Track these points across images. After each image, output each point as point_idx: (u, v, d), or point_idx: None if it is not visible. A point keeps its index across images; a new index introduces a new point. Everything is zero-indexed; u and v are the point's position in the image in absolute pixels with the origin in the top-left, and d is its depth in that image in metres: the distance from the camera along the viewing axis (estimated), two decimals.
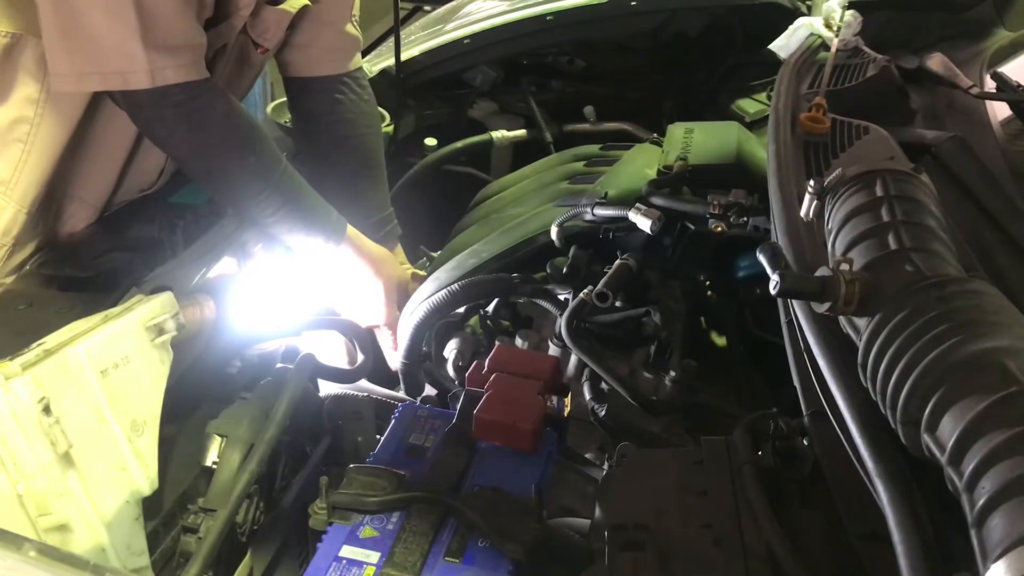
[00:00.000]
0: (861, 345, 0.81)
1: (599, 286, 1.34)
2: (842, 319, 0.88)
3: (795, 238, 1.04)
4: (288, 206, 1.37)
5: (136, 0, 1.14)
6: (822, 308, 0.84)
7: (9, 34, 1.22)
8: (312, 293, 1.51)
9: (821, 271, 0.85)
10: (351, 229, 1.47)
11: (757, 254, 0.92)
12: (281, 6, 1.47)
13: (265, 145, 1.36)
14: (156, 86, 1.20)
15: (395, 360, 1.53)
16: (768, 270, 0.88)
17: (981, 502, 0.62)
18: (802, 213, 1.02)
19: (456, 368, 1.48)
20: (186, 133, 1.31)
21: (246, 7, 1.37)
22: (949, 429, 0.69)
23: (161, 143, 1.36)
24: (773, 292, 0.85)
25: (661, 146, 1.70)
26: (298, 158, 1.75)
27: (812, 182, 1.00)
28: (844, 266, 0.83)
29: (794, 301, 0.98)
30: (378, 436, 1.26)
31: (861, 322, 0.83)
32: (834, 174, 0.99)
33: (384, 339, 1.58)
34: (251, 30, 1.45)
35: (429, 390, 1.51)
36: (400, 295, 1.54)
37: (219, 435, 1.20)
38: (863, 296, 0.82)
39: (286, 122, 1.85)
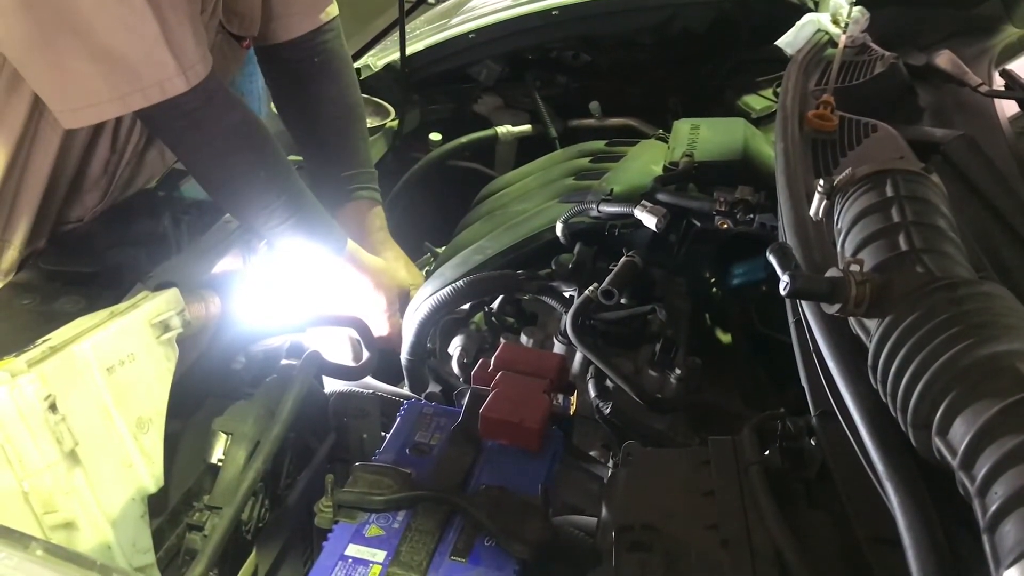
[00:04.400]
0: (871, 347, 0.80)
1: (604, 283, 1.33)
2: (852, 320, 0.87)
3: (804, 238, 1.04)
4: (293, 218, 1.37)
5: (153, 9, 1.12)
6: (832, 309, 0.83)
7: None
8: (314, 299, 1.51)
9: (831, 272, 0.84)
10: (351, 243, 1.48)
11: (767, 254, 0.92)
12: None
13: (277, 156, 1.35)
14: (167, 97, 1.18)
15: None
16: (778, 271, 0.88)
17: (993, 507, 0.62)
18: (811, 213, 1.02)
19: (461, 365, 1.47)
20: (194, 143, 1.30)
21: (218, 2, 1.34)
22: (961, 433, 0.68)
23: (171, 150, 1.36)
24: (783, 293, 0.84)
25: (667, 142, 1.70)
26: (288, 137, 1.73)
27: (821, 181, 0.99)
28: (854, 267, 0.83)
29: (803, 301, 0.97)
30: (383, 433, 1.26)
31: (871, 323, 0.83)
32: (844, 174, 0.99)
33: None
34: (228, 25, 1.42)
35: (433, 386, 1.51)
36: (400, 304, 1.54)
37: (224, 432, 1.19)
38: (874, 298, 0.81)
39: None
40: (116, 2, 1.10)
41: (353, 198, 1.64)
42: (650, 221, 1.38)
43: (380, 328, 1.52)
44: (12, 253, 1.34)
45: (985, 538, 0.62)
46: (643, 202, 1.41)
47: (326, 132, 1.64)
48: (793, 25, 1.87)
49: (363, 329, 1.45)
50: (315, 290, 1.50)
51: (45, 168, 1.31)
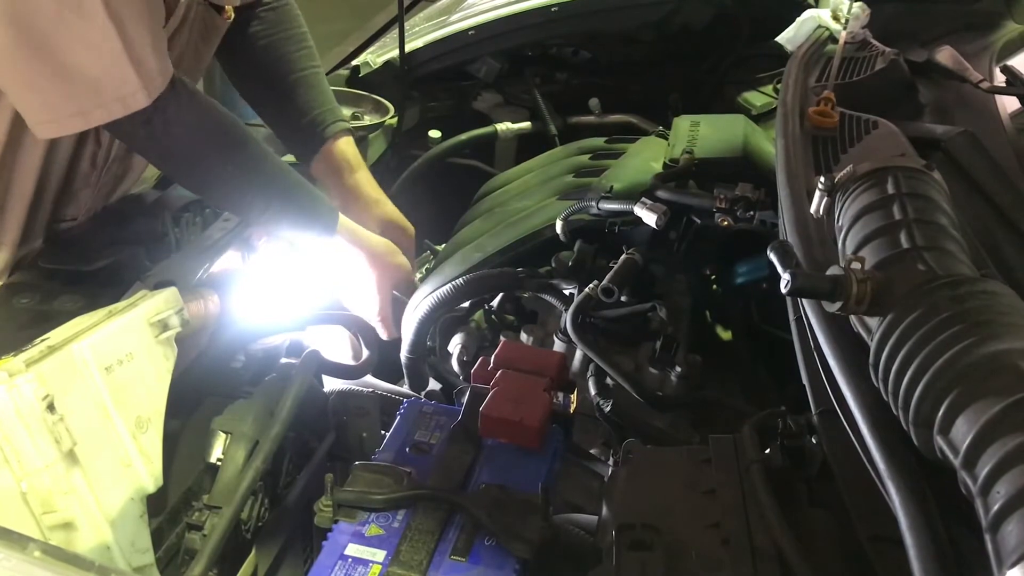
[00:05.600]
0: (873, 345, 0.80)
1: (605, 281, 1.33)
2: (853, 318, 0.87)
3: (805, 235, 1.03)
4: (276, 204, 1.35)
5: (113, 22, 1.10)
6: (833, 307, 0.83)
7: None
8: (313, 285, 1.50)
9: (832, 270, 0.84)
10: (345, 219, 1.46)
11: (768, 252, 0.91)
12: None
13: (246, 146, 1.33)
14: (128, 112, 1.16)
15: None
16: (779, 269, 0.87)
17: (996, 507, 0.61)
18: (812, 210, 1.01)
19: (461, 363, 1.47)
20: (159, 151, 1.29)
21: None
22: (963, 432, 0.68)
23: (142, 156, 1.35)
24: (784, 291, 0.84)
25: (667, 139, 1.69)
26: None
27: (822, 179, 0.99)
28: (856, 265, 0.83)
29: (804, 299, 0.97)
30: (383, 432, 1.25)
31: (872, 321, 0.82)
32: (845, 171, 0.98)
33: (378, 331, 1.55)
34: None
35: (433, 384, 1.51)
36: (401, 287, 1.52)
37: (223, 431, 1.19)
38: (875, 296, 0.81)
39: None
40: (77, 19, 1.09)
41: (325, 138, 1.59)
42: (650, 218, 1.38)
43: (369, 306, 1.50)
44: (4, 255, 1.33)
45: (987, 538, 0.62)
46: (643, 200, 1.40)
47: (285, 88, 1.59)
48: (793, 21, 1.87)
49: (363, 327, 1.45)
50: (310, 274, 1.48)
51: (34, 167, 1.31)
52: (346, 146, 1.61)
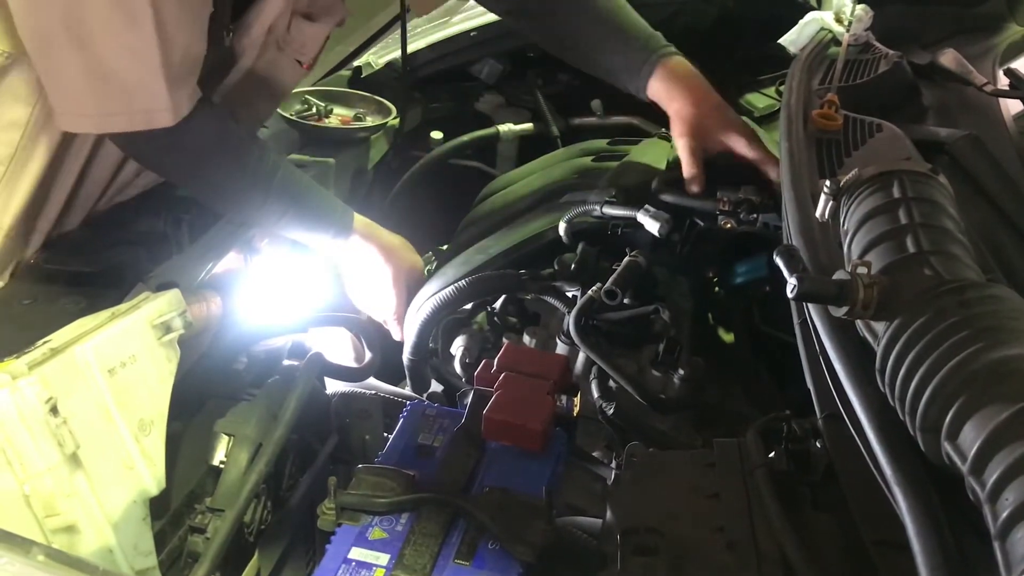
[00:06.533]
0: (879, 350, 0.80)
1: (608, 283, 1.33)
2: (859, 323, 0.87)
3: (810, 239, 1.03)
4: (291, 211, 1.35)
5: (159, 37, 1.10)
6: (839, 312, 0.83)
7: (5, 54, 1.18)
8: (324, 287, 1.50)
9: (839, 274, 0.84)
10: (360, 219, 1.46)
11: (774, 257, 0.91)
12: (320, 22, 1.43)
13: (259, 157, 1.33)
14: (150, 127, 1.16)
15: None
16: (785, 273, 0.87)
17: (1005, 514, 0.61)
18: (817, 214, 1.01)
19: (463, 365, 1.46)
20: (174, 164, 1.29)
21: (263, 22, 1.33)
22: (971, 438, 0.68)
23: (153, 170, 1.36)
24: (790, 296, 0.84)
25: (669, 140, 1.69)
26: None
27: (828, 183, 0.98)
28: (862, 269, 0.82)
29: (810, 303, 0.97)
30: (386, 434, 1.25)
31: (879, 326, 0.82)
32: (850, 175, 0.98)
33: (392, 331, 1.55)
34: (286, 47, 1.40)
35: (435, 386, 1.50)
36: (414, 283, 1.52)
37: (226, 434, 1.19)
38: (881, 300, 0.81)
39: (292, 115, 1.83)
40: (125, 23, 1.09)
41: (656, 65, 1.54)
42: (653, 227, 1.38)
43: (385, 305, 1.50)
44: (38, 238, 1.34)
45: (996, 545, 0.61)
46: (646, 207, 1.40)
47: (593, 31, 1.57)
48: (796, 23, 1.87)
49: (366, 329, 1.44)
50: (316, 276, 1.48)
51: (80, 157, 1.31)
52: (683, 64, 1.56)
